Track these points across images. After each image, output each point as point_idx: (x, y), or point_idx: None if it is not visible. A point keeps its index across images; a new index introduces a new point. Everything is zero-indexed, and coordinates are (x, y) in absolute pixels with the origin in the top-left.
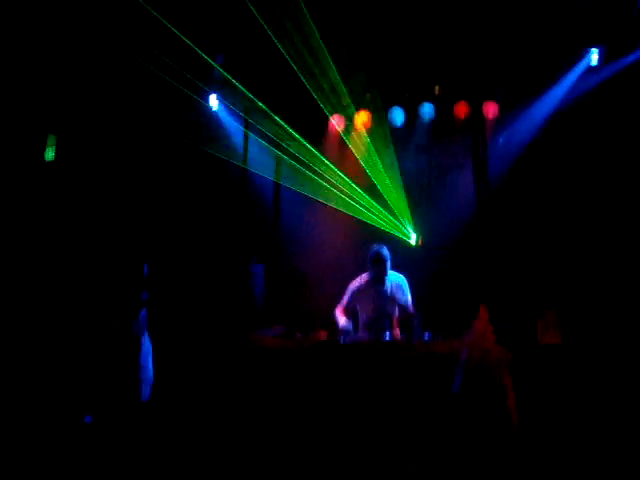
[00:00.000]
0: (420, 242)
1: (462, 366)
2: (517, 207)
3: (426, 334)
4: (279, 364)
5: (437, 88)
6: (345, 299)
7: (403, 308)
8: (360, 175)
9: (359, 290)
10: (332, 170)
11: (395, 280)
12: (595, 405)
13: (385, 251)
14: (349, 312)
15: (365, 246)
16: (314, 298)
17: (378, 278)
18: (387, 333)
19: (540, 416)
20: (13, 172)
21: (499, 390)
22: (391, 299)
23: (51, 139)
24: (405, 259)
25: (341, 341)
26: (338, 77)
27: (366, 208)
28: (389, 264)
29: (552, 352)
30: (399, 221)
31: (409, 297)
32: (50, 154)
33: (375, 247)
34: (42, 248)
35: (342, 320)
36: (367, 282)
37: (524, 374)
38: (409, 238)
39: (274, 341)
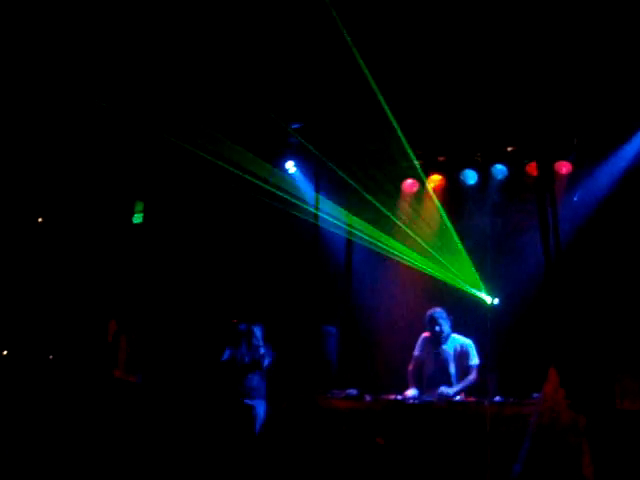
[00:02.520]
0: (495, 301)
1: (532, 430)
2: (590, 267)
3: (497, 397)
4: (348, 425)
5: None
6: (416, 351)
7: (468, 369)
8: (434, 236)
9: (425, 342)
10: (406, 231)
11: (461, 342)
12: None
13: (439, 313)
14: (420, 367)
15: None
16: (386, 360)
17: (435, 338)
18: (441, 387)
19: None
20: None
21: (572, 455)
22: (454, 360)
23: (139, 205)
24: (477, 319)
25: (409, 401)
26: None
27: (440, 268)
28: (445, 325)
29: (631, 418)
30: (474, 281)
31: (474, 361)
32: (138, 219)
33: (431, 309)
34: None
35: (410, 390)
36: (430, 338)
37: (603, 440)
38: (484, 298)
39: (344, 403)
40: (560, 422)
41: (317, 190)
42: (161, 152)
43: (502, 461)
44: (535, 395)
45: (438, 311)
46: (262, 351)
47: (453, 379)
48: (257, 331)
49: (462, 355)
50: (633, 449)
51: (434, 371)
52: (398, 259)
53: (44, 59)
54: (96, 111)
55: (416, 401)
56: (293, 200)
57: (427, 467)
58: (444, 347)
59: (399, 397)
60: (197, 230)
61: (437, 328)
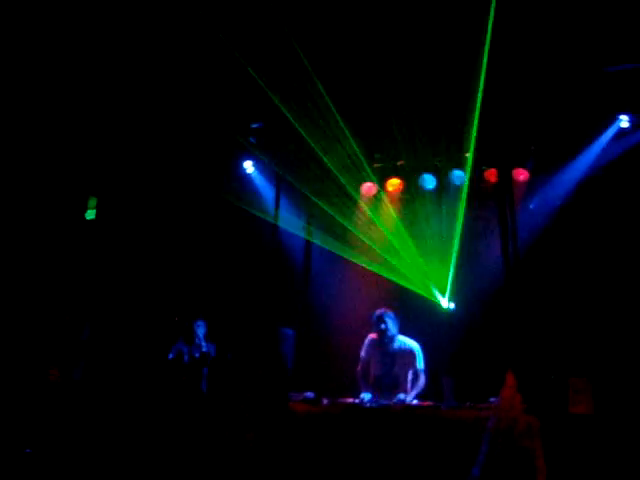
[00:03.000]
0: (451, 305)
1: (490, 434)
2: (546, 273)
3: (453, 402)
4: (306, 428)
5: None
6: (363, 352)
7: (415, 373)
8: (391, 239)
9: (371, 344)
10: (363, 234)
11: (406, 345)
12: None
13: (387, 314)
14: (368, 369)
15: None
16: (342, 362)
17: (380, 339)
18: (400, 395)
19: None
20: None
21: (527, 459)
22: (399, 362)
23: (92, 201)
24: (434, 323)
25: (366, 405)
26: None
27: (397, 272)
28: (391, 326)
29: (583, 422)
30: (430, 284)
31: (419, 364)
32: (91, 214)
33: (379, 309)
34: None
35: (364, 393)
36: (377, 339)
37: (555, 443)
38: (440, 301)
39: (301, 406)
40: (517, 426)
41: (277, 190)
42: (116, 146)
43: (460, 465)
44: (492, 399)
45: (385, 311)
46: (204, 349)
47: (399, 380)
48: (198, 328)
49: (407, 357)
50: (584, 452)
51: (380, 372)
52: (356, 262)
53: None
54: (49, 103)
55: (373, 405)
56: (251, 199)
57: (385, 471)
58: (389, 348)
59: (356, 401)
60: (152, 227)
61: (383, 326)
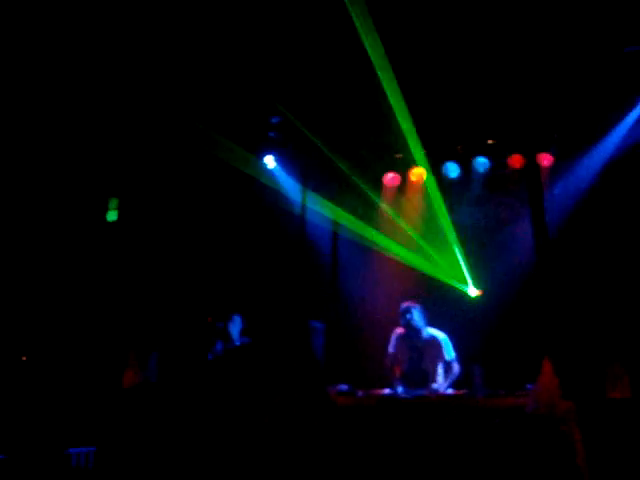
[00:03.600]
0: (479, 293)
1: (528, 420)
2: (578, 256)
3: (485, 390)
4: (342, 420)
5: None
6: (390, 347)
7: (447, 364)
8: (417, 229)
9: (399, 338)
10: (390, 224)
11: (433, 336)
12: None
13: (412, 305)
14: (396, 363)
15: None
16: (373, 354)
17: (407, 331)
18: (433, 385)
19: (610, 471)
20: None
21: (567, 445)
22: (427, 355)
23: (113, 202)
24: (465, 312)
25: (401, 396)
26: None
27: (425, 261)
28: (417, 317)
29: (620, 406)
30: (458, 273)
31: (448, 355)
32: (112, 216)
33: (404, 304)
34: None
35: (397, 386)
36: (404, 333)
37: (593, 428)
38: (467, 290)
39: (338, 398)
40: (555, 411)
41: (304, 183)
42: (137, 146)
43: (496, 453)
44: (529, 386)
45: (412, 304)
46: (238, 343)
47: (428, 375)
48: (232, 325)
49: (435, 349)
50: (621, 435)
51: (408, 368)
52: (383, 253)
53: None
54: (68, 104)
55: (408, 396)
56: (275, 194)
57: (422, 462)
58: (417, 342)
59: (391, 392)
60: (176, 227)
61: (408, 316)
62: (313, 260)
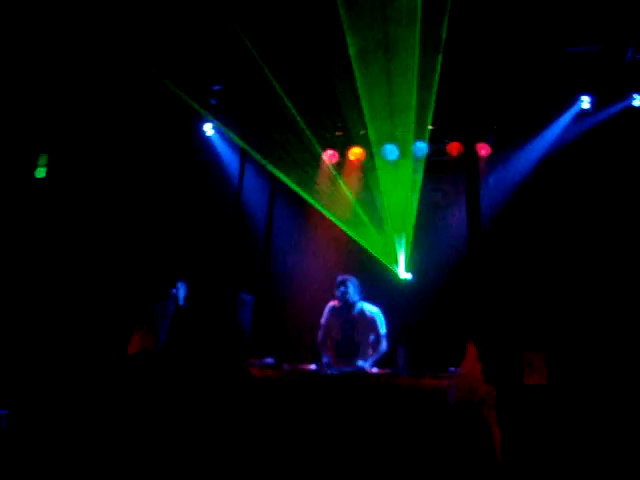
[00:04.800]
0: (408, 275)
1: (450, 403)
2: (508, 246)
3: (409, 370)
4: (265, 393)
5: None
6: (323, 319)
7: (377, 338)
8: (353, 208)
9: (332, 310)
10: (327, 200)
11: (367, 310)
12: (578, 445)
13: (348, 278)
14: (329, 335)
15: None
16: (302, 328)
17: (341, 304)
18: (359, 361)
19: (524, 454)
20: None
21: (485, 428)
22: (360, 328)
23: (43, 158)
24: (395, 292)
25: (326, 372)
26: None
27: (360, 239)
28: (353, 290)
29: (537, 392)
30: (391, 254)
31: (381, 329)
32: (41, 173)
33: (341, 276)
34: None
35: (324, 359)
36: (338, 306)
37: (509, 412)
38: (398, 271)
39: (262, 371)
40: (477, 395)
41: (242, 153)
42: (68, 101)
43: (418, 432)
44: (451, 369)
45: (349, 277)
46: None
47: (360, 346)
48: (178, 292)
49: (369, 323)
50: (537, 420)
51: (341, 338)
52: (317, 228)
53: None
54: None
55: (334, 372)
56: (212, 162)
57: (343, 438)
58: (350, 314)
59: (317, 368)
60: (107, 186)
61: (342, 289)
62: (247, 231)
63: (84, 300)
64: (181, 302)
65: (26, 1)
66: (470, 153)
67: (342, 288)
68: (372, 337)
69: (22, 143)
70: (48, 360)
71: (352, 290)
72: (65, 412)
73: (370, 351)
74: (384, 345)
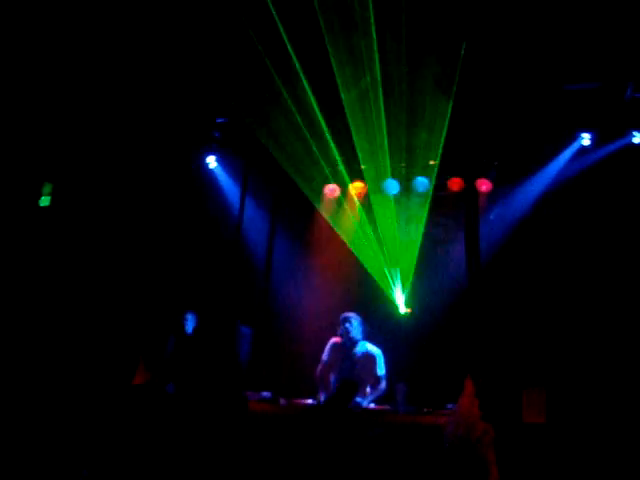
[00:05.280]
0: (409, 310)
1: (447, 440)
2: (507, 282)
3: (409, 407)
4: (262, 428)
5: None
6: (324, 355)
7: (376, 379)
8: (353, 242)
9: (333, 348)
10: (326, 235)
11: (368, 350)
12: None
13: (353, 316)
14: (328, 372)
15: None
16: (300, 364)
17: (344, 342)
18: (357, 398)
19: None
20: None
21: (482, 466)
22: (360, 366)
23: (47, 187)
24: (394, 327)
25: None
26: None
27: (358, 273)
28: (356, 328)
29: (536, 431)
30: (390, 289)
31: (379, 370)
32: (46, 201)
33: (347, 313)
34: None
35: (321, 395)
36: (340, 343)
37: (508, 451)
38: (398, 306)
39: (258, 405)
40: (474, 433)
41: (243, 186)
42: (73, 132)
43: (415, 468)
44: (449, 405)
45: (352, 315)
46: None
47: (360, 385)
48: (187, 324)
49: (369, 362)
50: (536, 460)
51: (339, 376)
52: (317, 263)
53: None
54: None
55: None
56: (214, 195)
57: (341, 472)
58: (352, 353)
59: (314, 402)
60: (110, 219)
61: (347, 325)
62: (248, 263)
63: (87, 329)
64: (189, 332)
65: (32, 23)
66: (470, 189)
67: (346, 325)
68: (371, 378)
69: (27, 172)
70: (55, 389)
71: (355, 328)
72: (71, 441)
73: (369, 389)
74: (383, 385)
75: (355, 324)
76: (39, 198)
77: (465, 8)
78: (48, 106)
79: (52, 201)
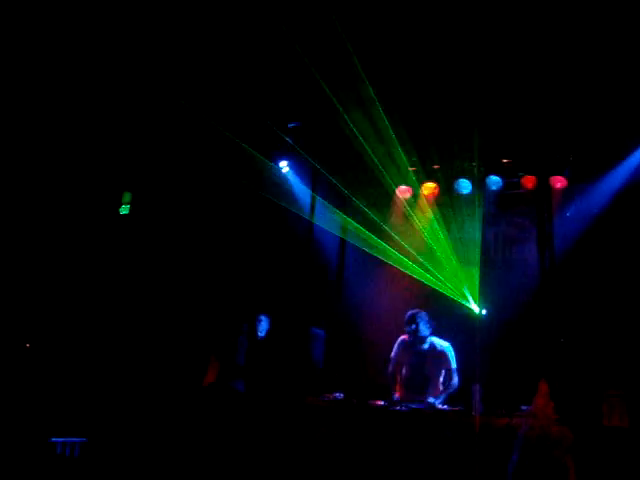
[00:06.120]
0: (483, 311)
1: (520, 442)
2: (583, 281)
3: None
4: (335, 429)
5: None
6: (393, 353)
7: (448, 373)
8: (425, 243)
9: (402, 344)
10: (398, 237)
11: (437, 345)
12: None
13: (419, 313)
14: (400, 370)
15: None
16: (374, 364)
17: (411, 338)
18: (430, 398)
19: None
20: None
21: (558, 469)
22: (430, 362)
23: (127, 196)
24: (466, 327)
25: (396, 408)
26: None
27: (431, 275)
28: (423, 324)
29: (618, 435)
30: (464, 291)
31: (452, 364)
32: (125, 210)
33: (411, 310)
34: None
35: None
36: (408, 340)
37: (588, 456)
38: (472, 307)
39: (331, 404)
40: (549, 436)
41: (313, 190)
42: (151, 142)
43: (489, 472)
44: (524, 407)
45: (419, 312)
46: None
47: (430, 381)
48: (259, 326)
49: (438, 357)
50: (618, 466)
51: (410, 372)
52: (390, 264)
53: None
54: (85, 102)
55: (403, 408)
56: (287, 199)
57: (413, 476)
58: (420, 349)
59: (385, 403)
60: (186, 224)
61: (413, 327)
62: (320, 267)
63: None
64: (262, 335)
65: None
66: (543, 186)
67: (413, 326)
68: (442, 372)
69: (108, 182)
70: (127, 389)
71: (422, 325)
72: (142, 439)
73: (441, 387)
74: (455, 380)
75: (421, 320)
76: (119, 207)
77: None
78: (127, 119)
79: (131, 210)
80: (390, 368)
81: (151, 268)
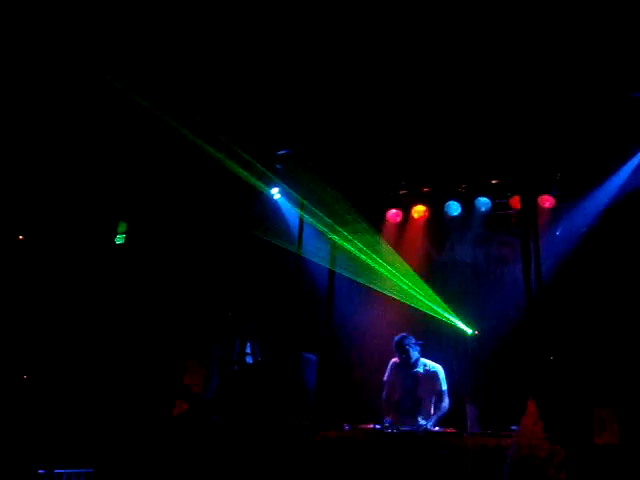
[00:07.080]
0: (476, 332)
1: (510, 462)
2: (571, 300)
3: (475, 428)
4: (327, 453)
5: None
6: (385, 376)
7: (438, 395)
8: (416, 265)
9: (394, 367)
10: (388, 259)
11: (430, 366)
12: None
13: (405, 339)
14: (393, 393)
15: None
16: (365, 388)
17: (402, 362)
18: (420, 421)
19: None
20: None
21: None
22: (422, 384)
23: (122, 226)
24: (456, 348)
25: (387, 431)
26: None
27: (422, 298)
28: (413, 351)
29: (609, 453)
30: (455, 312)
31: (442, 385)
32: (120, 239)
33: (398, 336)
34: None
35: (385, 414)
36: (400, 363)
37: (580, 475)
38: (465, 329)
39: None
40: (539, 454)
41: (301, 217)
42: (146, 173)
43: None
44: (513, 427)
45: (405, 337)
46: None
47: (421, 403)
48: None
49: (430, 379)
50: None
51: (402, 395)
52: (380, 289)
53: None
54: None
55: (395, 430)
56: (277, 226)
57: None
58: (414, 371)
59: (377, 426)
60: (180, 252)
61: (404, 356)
62: (310, 292)
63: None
64: (250, 360)
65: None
66: (528, 206)
67: (404, 356)
68: (433, 394)
69: (103, 212)
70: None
71: (411, 350)
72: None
73: (432, 409)
74: (446, 402)
75: (410, 348)
76: (115, 236)
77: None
78: (122, 149)
79: (126, 239)
80: (384, 392)
81: (146, 297)
